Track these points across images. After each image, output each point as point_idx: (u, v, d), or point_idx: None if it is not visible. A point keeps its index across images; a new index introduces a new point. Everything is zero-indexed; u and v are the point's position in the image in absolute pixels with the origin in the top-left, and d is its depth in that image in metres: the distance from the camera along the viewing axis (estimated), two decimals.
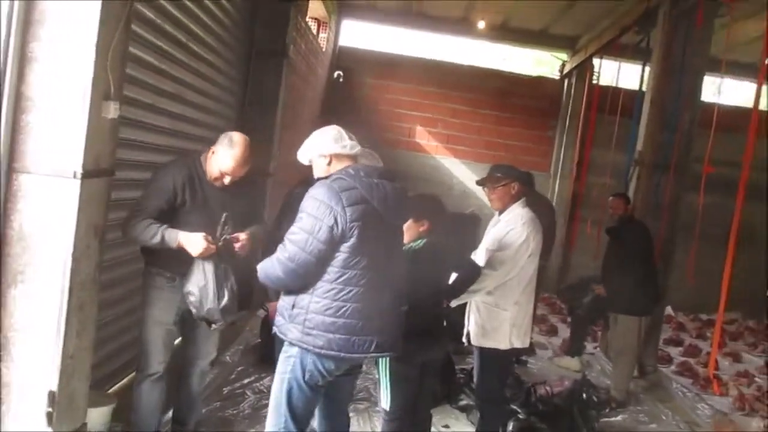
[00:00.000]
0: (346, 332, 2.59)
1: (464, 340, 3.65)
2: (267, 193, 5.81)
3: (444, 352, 3.56)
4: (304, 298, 2.63)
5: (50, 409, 2.72)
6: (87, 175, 2.69)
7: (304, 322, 2.60)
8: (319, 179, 2.74)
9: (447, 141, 10.05)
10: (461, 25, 9.57)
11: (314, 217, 2.55)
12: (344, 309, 2.59)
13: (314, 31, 8.45)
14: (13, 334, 2.72)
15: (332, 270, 2.59)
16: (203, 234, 3.02)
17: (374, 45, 10.53)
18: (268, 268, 2.69)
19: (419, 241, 3.13)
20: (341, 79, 9.76)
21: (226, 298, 3.10)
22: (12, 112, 2.62)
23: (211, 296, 3.09)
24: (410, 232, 3.11)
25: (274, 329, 2.79)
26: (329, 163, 2.75)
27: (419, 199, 3.20)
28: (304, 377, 2.67)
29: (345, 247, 2.57)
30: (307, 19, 7.58)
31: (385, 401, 3.13)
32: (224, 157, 3.10)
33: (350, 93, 9.72)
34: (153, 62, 3.76)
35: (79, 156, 2.66)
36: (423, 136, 10.04)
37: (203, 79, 4.73)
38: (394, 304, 2.78)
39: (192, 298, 3.11)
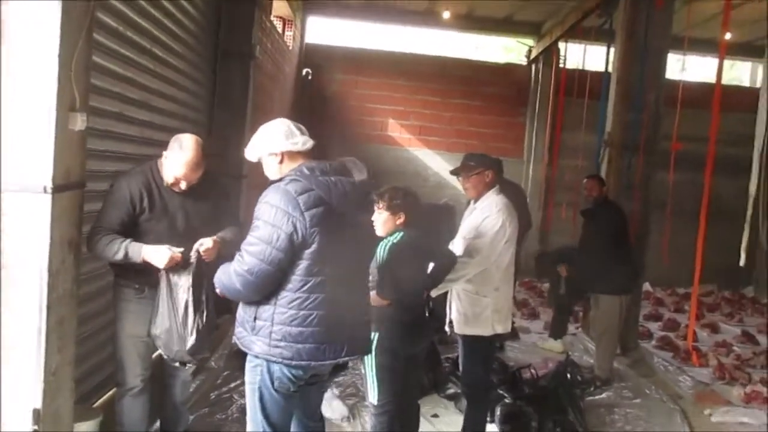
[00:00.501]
0: (314, 341, 2.48)
1: (447, 329, 3.68)
2: (241, 196, 5.78)
3: (428, 342, 3.58)
4: (266, 310, 2.50)
5: (36, 427, 2.69)
6: (58, 189, 2.65)
7: (270, 335, 2.49)
8: (272, 182, 2.58)
9: (419, 133, 10.08)
10: (427, 16, 9.59)
11: (271, 225, 2.39)
12: (311, 317, 2.46)
13: (279, 30, 8.40)
14: None
15: (295, 279, 2.45)
16: (167, 246, 2.94)
17: (341, 41, 10.51)
18: (225, 281, 2.55)
19: (396, 234, 3.14)
20: (310, 77, 9.72)
21: (192, 338, 2.98)
22: None
23: (176, 338, 3.00)
24: (387, 225, 3.12)
25: (235, 341, 2.69)
26: (281, 162, 2.59)
27: (393, 191, 3.19)
28: (273, 385, 2.57)
29: (307, 254, 2.43)
30: (272, 18, 7.54)
31: (372, 395, 3.15)
32: (175, 162, 3.02)
33: (320, 90, 9.70)
34: (117, 70, 3.72)
35: (49, 170, 2.62)
36: (395, 129, 10.06)
37: (170, 85, 4.68)
38: (361, 303, 2.73)
39: (159, 342, 3.04)
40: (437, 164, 9.97)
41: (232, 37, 5.87)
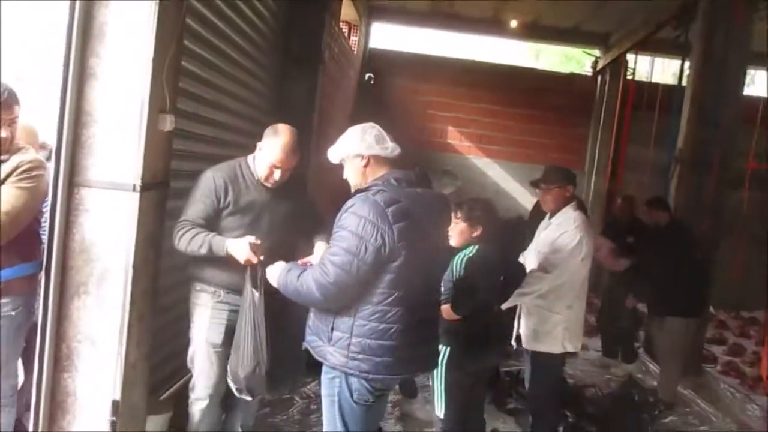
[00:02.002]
0: (392, 355, 2.43)
1: (513, 342, 3.63)
2: None
3: (499, 359, 3.51)
4: (345, 321, 2.43)
5: (113, 418, 2.77)
6: (145, 187, 2.74)
7: (348, 347, 2.42)
8: (357, 190, 2.52)
9: (479, 141, 10.01)
10: (491, 24, 9.52)
11: (359, 236, 2.32)
12: (391, 331, 2.41)
13: (345, 35, 8.47)
14: (77, 344, 2.77)
15: (378, 292, 2.39)
16: (249, 238, 2.82)
17: (404, 46, 10.53)
18: (301, 288, 2.44)
19: (472, 247, 3.11)
20: (372, 82, 9.77)
21: (265, 363, 2.75)
22: (73, 127, 2.67)
23: (243, 363, 2.77)
24: (462, 236, 3.08)
25: (306, 346, 2.63)
26: (366, 165, 2.52)
27: (473, 203, 3.15)
28: (352, 397, 2.51)
29: (392, 268, 2.37)
30: (340, 23, 7.61)
31: (439, 408, 3.13)
32: (271, 147, 2.94)
33: (381, 95, 9.72)
34: (195, 71, 3.80)
35: (138, 169, 2.71)
36: (455, 137, 10.02)
37: (242, 86, 4.77)
38: (434, 317, 2.68)
39: (230, 366, 2.85)
40: (496, 173, 9.88)
41: (302, 41, 5.93)
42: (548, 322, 3.45)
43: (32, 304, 2.83)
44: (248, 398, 2.91)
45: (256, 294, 2.78)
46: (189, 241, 2.90)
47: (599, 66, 10.04)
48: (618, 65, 9.54)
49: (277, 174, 2.96)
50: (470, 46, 11.76)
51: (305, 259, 2.77)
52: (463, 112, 9.94)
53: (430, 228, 2.52)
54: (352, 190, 2.58)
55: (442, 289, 2.93)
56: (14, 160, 2.70)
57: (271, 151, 2.94)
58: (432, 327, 2.64)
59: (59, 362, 2.76)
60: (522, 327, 3.57)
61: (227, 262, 2.89)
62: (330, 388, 2.55)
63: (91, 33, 2.65)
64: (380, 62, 9.91)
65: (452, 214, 2.92)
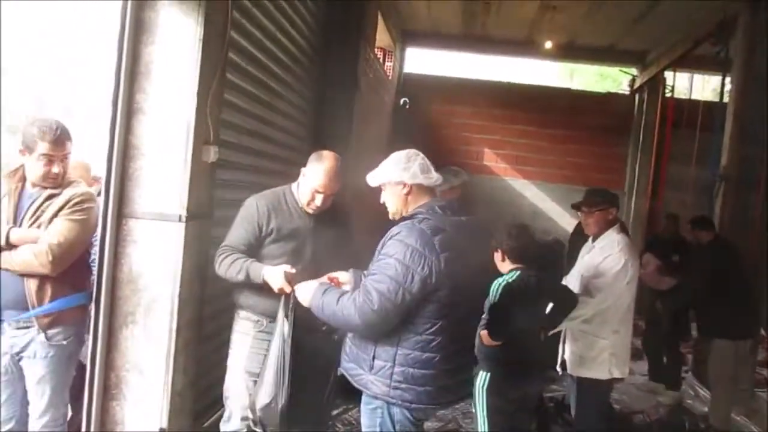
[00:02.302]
0: (434, 383, 2.41)
1: (558, 368, 3.57)
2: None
3: (542, 385, 3.43)
4: (387, 350, 2.40)
5: None
6: (191, 217, 2.80)
7: (391, 376, 2.39)
8: (403, 218, 2.50)
9: (515, 162, 9.96)
10: (525, 45, 9.51)
11: (406, 265, 2.29)
12: (435, 360, 2.40)
13: (381, 61, 8.56)
14: (125, 373, 2.83)
15: (422, 321, 2.37)
16: (285, 267, 2.78)
17: (438, 71, 10.60)
18: (340, 312, 2.37)
19: (512, 273, 3.08)
20: (407, 106, 9.83)
21: (282, 399, 2.62)
22: (121, 160, 2.76)
23: (264, 393, 2.68)
24: (503, 264, 3.07)
25: (342, 372, 2.59)
26: (408, 194, 2.50)
27: (509, 230, 3.13)
28: (394, 428, 2.47)
29: (437, 297, 2.36)
30: (375, 50, 7.70)
31: None
32: (315, 172, 2.94)
33: (416, 119, 9.77)
34: (236, 102, 3.88)
35: (184, 200, 2.78)
36: (491, 159, 9.99)
37: (281, 115, 4.84)
38: (472, 343, 2.68)
39: (251, 395, 2.78)
40: (533, 194, 9.80)
41: (338, 68, 6.01)
42: (594, 348, 3.38)
43: (83, 333, 2.90)
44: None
45: (287, 325, 2.71)
46: (228, 266, 2.88)
47: (637, 84, 9.92)
48: (656, 83, 9.41)
49: (318, 199, 2.95)
50: (504, 68, 11.77)
51: (333, 275, 2.71)
52: (499, 134, 9.92)
53: (473, 256, 2.51)
54: (391, 216, 2.58)
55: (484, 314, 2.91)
56: (66, 194, 2.79)
57: (314, 176, 2.94)
58: (470, 354, 2.64)
59: (108, 391, 2.82)
60: (567, 352, 3.50)
61: (271, 290, 2.86)
62: (371, 419, 2.51)
63: (138, 70, 2.75)
64: (415, 87, 9.97)
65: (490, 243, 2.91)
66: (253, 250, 2.96)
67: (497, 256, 3.09)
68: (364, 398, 2.53)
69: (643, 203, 9.63)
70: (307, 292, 2.55)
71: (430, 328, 2.38)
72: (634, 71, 10.05)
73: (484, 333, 2.97)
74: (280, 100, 4.77)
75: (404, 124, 9.67)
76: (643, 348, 6.37)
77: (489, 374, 3.05)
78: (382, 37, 8.30)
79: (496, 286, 3.05)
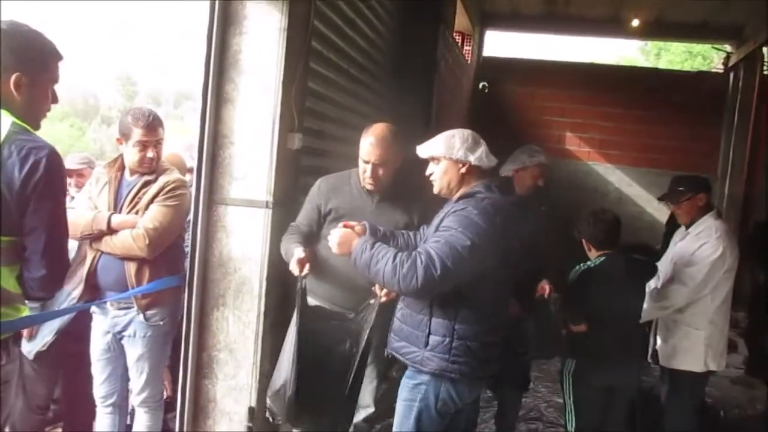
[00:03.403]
0: (491, 355, 2.49)
1: (650, 360, 3.45)
2: None
3: (636, 376, 3.30)
4: (444, 325, 2.42)
5: (250, 424, 2.92)
6: (277, 203, 2.87)
7: (450, 351, 2.41)
8: (463, 195, 2.47)
9: (599, 146, 9.62)
10: (610, 24, 9.15)
11: (470, 238, 2.28)
12: (489, 332, 2.46)
13: (459, 45, 8.47)
14: (216, 353, 2.94)
15: (478, 294, 2.41)
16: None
17: (518, 53, 10.37)
18: (391, 270, 2.28)
19: (597, 259, 3.01)
20: (486, 90, 9.69)
21: (290, 387, 2.56)
22: (211, 149, 2.86)
23: (276, 380, 2.66)
24: (589, 251, 3.01)
25: (392, 353, 2.58)
26: (465, 173, 2.50)
27: (593, 218, 3.07)
28: (435, 406, 2.48)
29: (493, 273, 2.39)
30: (454, 34, 7.62)
31: (570, 424, 3.03)
32: (361, 143, 2.86)
33: (496, 103, 9.61)
34: (320, 90, 3.93)
35: (270, 186, 2.85)
36: (573, 143, 9.69)
37: (362, 102, 4.88)
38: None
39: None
40: (618, 179, 9.45)
41: (417, 53, 5.99)
42: (688, 339, 3.25)
43: (177, 314, 3.04)
44: (271, 421, 2.77)
45: (296, 310, 2.66)
46: (283, 244, 2.86)
47: (732, 61, 9.37)
48: (754, 60, 8.84)
49: (367, 171, 2.84)
50: (585, 48, 11.37)
51: (350, 223, 2.59)
52: (581, 116, 9.61)
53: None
54: (437, 191, 2.57)
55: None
56: (161, 181, 2.93)
57: (361, 147, 2.87)
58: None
59: (201, 369, 2.95)
60: (659, 343, 3.38)
61: (328, 273, 2.87)
62: (411, 393, 2.52)
63: (226, 61, 2.83)
64: (494, 70, 9.80)
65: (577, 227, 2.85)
66: (315, 230, 2.94)
67: (585, 245, 3.04)
68: (408, 373, 2.54)
69: (737, 189, 9.11)
70: (345, 242, 2.47)
71: (486, 302, 2.44)
72: (728, 48, 9.49)
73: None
74: (361, 86, 4.80)
75: (484, 108, 9.54)
76: (744, 339, 6.05)
77: (574, 361, 3.00)
78: (461, 20, 8.19)
79: (574, 271, 3.01)
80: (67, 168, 3.20)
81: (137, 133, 2.88)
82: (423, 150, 2.56)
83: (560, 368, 3.27)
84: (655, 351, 3.40)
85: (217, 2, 2.77)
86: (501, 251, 2.38)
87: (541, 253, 3.31)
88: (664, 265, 3.35)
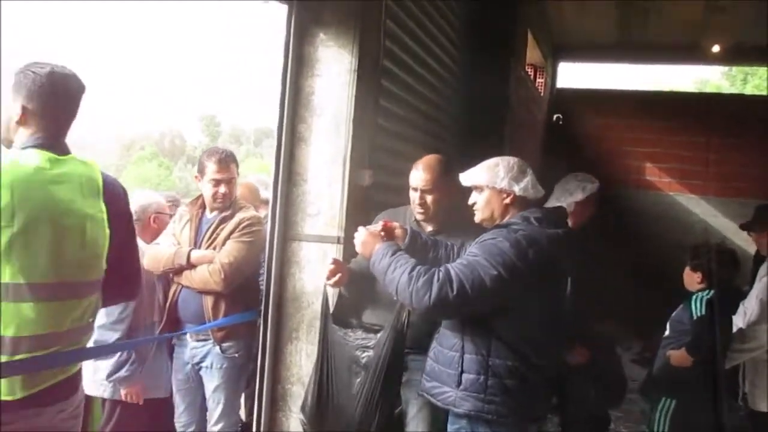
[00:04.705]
0: (530, 396, 2.29)
1: (740, 402, 3.26)
2: None
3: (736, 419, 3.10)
4: (477, 361, 2.27)
5: None
6: (348, 239, 2.92)
7: (485, 390, 2.25)
8: (497, 226, 2.36)
9: (681, 176, 9.27)
10: (689, 50, 8.88)
11: (494, 267, 2.16)
12: (527, 370, 2.27)
13: (531, 78, 8.43)
14: (290, 386, 3.00)
15: (512, 329, 2.26)
16: (333, 258, 2.67)
17: (593, 83, 10.21)
18: (407, 282, 2.18)
19: (707, 291, 2.92)
20: (561, 122, 9.57)
21: (312, 396, 2.54)
22: (285, 186, 2.96)
23: (310, 386, 2.60)
24: (687, 281, 2.93)
25: (426, 396, 2.41)
26: (509, 204, 2.36)
27: (698, 249, 3.00)
28: None
29: (525, 307, 2.25)
30: (526, 67, 7.60)
31: None
32: (411, 173, 2.76)
33: (571, 135, 9.45)
34: (390, 127, 4.00)
35: (342, 222, 2.92)
36: (653, 173, 9.38)
37: (433, 137, 4.93)
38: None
39: None
40: (703, 210, 9.04)
41: (488, 87, 6.00)
42: None
43: (252, 347, 3.13)
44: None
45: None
46: None
47: None
48: None
49: (416, 198, 2.73)
50: (663, 75, 11.08)
51: (391, 223, 2.53)
52: (661, 146, 9.30)
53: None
54: (479, 220, 2.45)
55: (668, 331, 2.76)
56: (237, 218, 3.06)
57: (410, 175, 2.79)
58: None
59: (275, 402, 3.01)
60: (747, 386, 3.19)
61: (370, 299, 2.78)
62: None
63: (300, 102, 2.95)
64: (568, 102, 9.68)
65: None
66: None
67: (694, 274, 2.97)
68: (450, 419, 2.38)
69: None
70: (368, 243, 2.39)
71: (520, 338, 2.27)
72: None
73: (676, 353, 2.83)
74: (431, 122, 4.86)
75: (558, 140, 9.41)
76: None
77: (674, 401, 2.87)
78: (533, 53, 8.17)
79: (698, 300, 2.92)
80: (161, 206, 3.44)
81: (211, 170, 3.04)
82: (466, 178, 2.44)
83: (653, 408, 3.13)
84: (744, 394, 3.21)
85: (291, 46, 2.90)
86: (535, 287, 2.25)
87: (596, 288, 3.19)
88: (750, 302, 3.17)
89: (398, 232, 2.50)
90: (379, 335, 2.52)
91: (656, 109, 9.28)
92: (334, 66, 2.92)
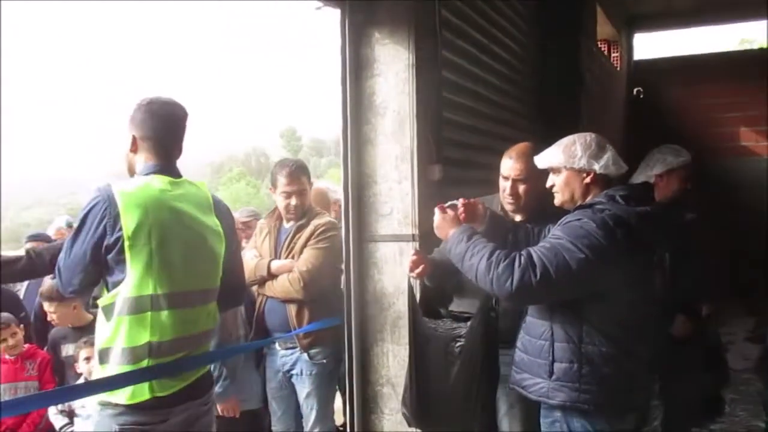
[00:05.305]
0: (627, 383, 2.16)
1: None
2: None
3: None
4: (567, 348, 2.16)
5: None
6: (423, 236, 2.90)
7: (579, 378, 2.13)
8: (580, 206, 2.22)
9: None
10: None
11: (579, 249, 2.04)
12: (624, 356, 2.14)
13: (606, 53, 8.11)
14: (380, 388, 3.00)
15: (602, 314, 2.13)
16: (415, 250, 2.65)
17: (673, 51, 9.69)
18: (486, 267, 2.08)
19: None
20: (642, 96, 9.15)
21: (411, 389, 2.54)
22: (356, 189, 2.97)
23: (408, 382, 2.60)
24: None
25: (517, 389, 2.30)
26: (590, 183, 2.24)
27: None
28: None
29: (616, 291, 2.12)
30: (597, 42, 7.32)
31: None
32: (502, 162, 2.68)
33: (654, 107, 9.02)
34: (458, 119, 3.94)
35: (415, 219, 2.89)
36: (749, 138, 8.80)
37: (505, 125, 4.81)
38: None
39: None
40: None
41: (559, 67, 5.82)
42: None
43: (340, 352, 3.15)
44: (408, 426, 2.68)
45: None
46: None
47: None
48: None
49: (507, 188, 2.64)
50: (749, 33, 10.36)
51: (473, 200, 2.44)
52: (756, 108, 8.67)
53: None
54: (559, 203, 2.32)
55: None
56: (312, 225, 3.09)
57: (501, 167, 2.70)
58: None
59: (367, 404, 3.02)
60: None
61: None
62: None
63: (362, 104, 2.95)
64: (648, 73, 9.24)
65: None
66: None
67: None
68: (542, 412, 2.27)
69: None
70: (443, 227, 2.31)
71: (617, 325, 2.14)
72: None
73: None
74: (502, 110, 4.76)
75: (640, 115, 9.00)
76: None
77: None
78: (604, 28, 7.86)
79: None
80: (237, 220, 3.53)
81: (281, 183, 3.09)
82: (541, 160, 2.32)
83: (764, 389, 2.94)
84: None
85: (347, 49, 2.91)
86: (626, 269, 2.11)
87: (697, 267, 3.02)
88: None
89: (480, 208, 2.39)
90: (469, 323, 2.48)
91: (746, 70, 8.69)
92: (392, 64, 2.91)
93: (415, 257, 2.55)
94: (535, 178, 2.58)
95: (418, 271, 2.54)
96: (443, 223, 2.30)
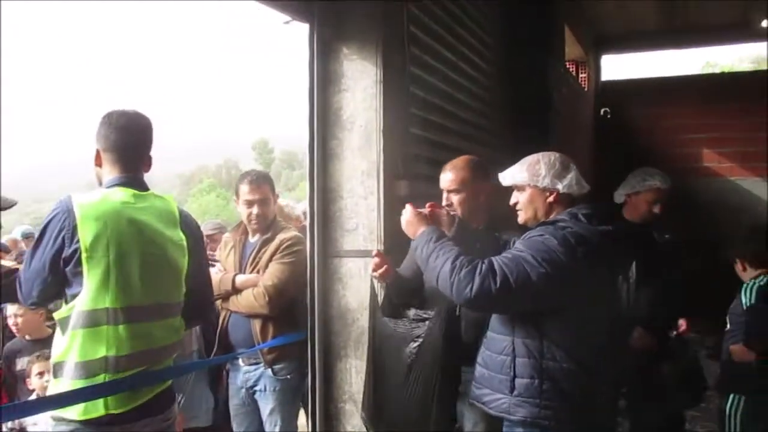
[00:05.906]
0: (587, 400, 2.15)
1: None
2: None
3: None
4: (528, 364, 2.15)
5: None
6: (388, 252, 2.88)
7: (540, 394, 2.12)
8: (543, 223, 2.24)
9: (742, 160, 8.86)
10: (735, 28, 8.52)
11: (539, 263, 2.04)
12: (582, 373, 2.13)
13: (573, 74, 8.25)
14: (342, 405, 2.97)
15: (562, 330, 2.13)
16: (378, 251, 2.65)
17: (640, 73, 9.92)
18: (448, 270, 2.07)
19: (761, 277, 2.75)
20: (609, 116, 9.31)
21: (368, 389, 2.60)
22: (321, 204, 2.95)
23: (366, 384, 2.68)
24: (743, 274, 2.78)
25: (473, 402, 2.32)
26: (553, 201, 2.26)
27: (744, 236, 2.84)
28: None
29: (574, 307, 2.13)
30: (565, 63, 7.44)
31: None
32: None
33: (621, 128, 9.18)
34: (425, 135, 3.95)
35: (380, 235, 2.88)
36: (712, 159, 9.00)
37: (473, 143, 4.84)
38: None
39: None
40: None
41: (528, 88, 5.89)
42: None
43: (304, 368, 3.11)
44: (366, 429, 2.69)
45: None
46: None
47: None
48: None
49: (443, 199, 2.71)
50: (715, 57, 10.67)
51: (439, 206, 2.47)
52: (719, 130, 8.91)
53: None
54: (522, 221, 2.35)
55: (729, 325, 2.62)
56: (277, 239, 3.07)
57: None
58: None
59: (330, 421, 2.98)
60: None
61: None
62: None
63: (329, 119, 2.95)
64: (615, 94, 9.42)
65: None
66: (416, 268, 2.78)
67: (737, 267, 2.81)
68: (504, 428, 2.25)
69: None
70: (413, 224, 2.30)
71: (573, 338, 2.14)
72: None
73: (736, 348, 2.69)
74: (470, 126, 4.79)
75: (607, 135, 9.15)
76: None
77: (743, 398, 2.71)
78: (573, 49, 8.00)
79: (748, 289, 2.76)
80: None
81: (243, 191, 3.08)
82: (505, 177, 2.34)
83: (722, 407, 2.97)
84: None
85: (315, 64, 2.91)
86: (586, 286, 2.12)
87: (672, 286, 3.09)
88: None
89: (445, 219, 2.40)
90: (427, 323, 2.47)
91: (709, 93, 8.92)
92: (360, 79, 2.91)
93: (377, 259, 2.56)
94: (471, 190, 2.64)
95: (381, 271, 2.56)
96: (413, 219, 2.30)
